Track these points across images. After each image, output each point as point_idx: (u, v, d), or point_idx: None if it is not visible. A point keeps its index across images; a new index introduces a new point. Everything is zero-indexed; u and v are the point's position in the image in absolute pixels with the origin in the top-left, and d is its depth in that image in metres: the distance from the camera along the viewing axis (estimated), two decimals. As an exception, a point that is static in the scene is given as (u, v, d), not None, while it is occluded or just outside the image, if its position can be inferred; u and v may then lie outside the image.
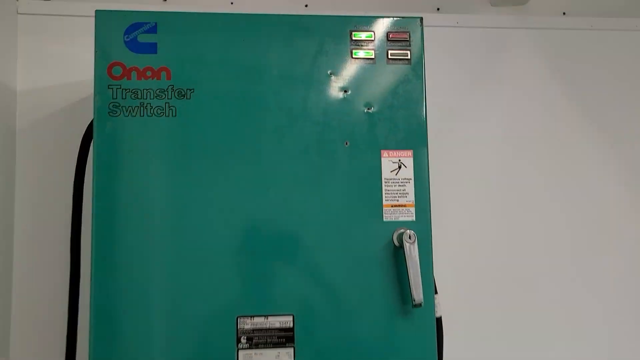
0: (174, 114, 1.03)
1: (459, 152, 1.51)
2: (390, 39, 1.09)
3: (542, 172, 1.55)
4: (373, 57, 1.08)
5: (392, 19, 1.09)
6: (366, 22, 1.09)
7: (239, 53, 1.05)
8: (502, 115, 1.57)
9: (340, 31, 1.08)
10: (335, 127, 1.06)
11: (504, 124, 1.57)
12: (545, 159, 1.56)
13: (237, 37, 1.05)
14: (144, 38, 1.04)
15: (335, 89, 1.07)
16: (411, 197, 1.06)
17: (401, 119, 1.07)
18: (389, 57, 1.08)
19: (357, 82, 1.07)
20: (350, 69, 1.07)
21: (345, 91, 1.07)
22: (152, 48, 1.04)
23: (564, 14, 1.69)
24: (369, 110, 1.07)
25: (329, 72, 1.07)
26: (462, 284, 1.45)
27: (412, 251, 1.00)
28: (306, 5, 1.53)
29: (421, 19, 1.10)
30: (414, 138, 1.07)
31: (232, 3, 1.49)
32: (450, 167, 1.48)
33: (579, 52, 1.65)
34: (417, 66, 1.09)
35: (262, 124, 1.04)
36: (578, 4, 1.70)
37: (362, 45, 1.08)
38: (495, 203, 1.52)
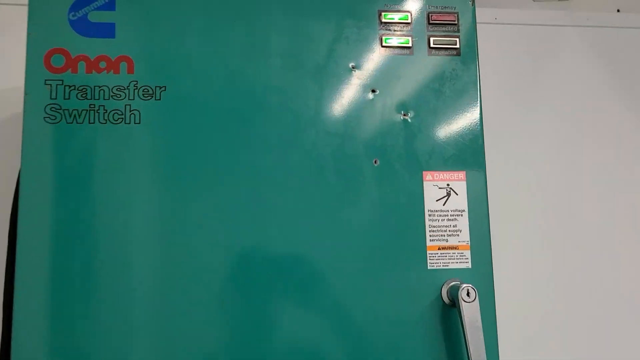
0: (137, 121, 0.74)
1: (504, 173, 1.22)
2: (433, 21, 0.81)
3: (603, 187, 1.27)
4: (410, 45, 0.80)
5: (434, -5, 0.81)
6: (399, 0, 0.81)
7: (230, 38, 0.77)
8: (552, 128, 1.29)
9: (365, 11, 0.80)
10: (359, 139, 0.77)
11: (555, 138, 1.29)
12: (607, 174, 1.28)
13: (228, 17, 0.77)
14: (97, 17, 0.75)
15: (359, 87, 0.78)
16: (465, 236, 0.76)
17: (449, 129, 0.79)
18: (431, 45, 0.80)
19: (389, 79, 0.79)
20: (379, 61, 0.79)
21: (373, 91, 0.78)
22: (108, 30, 0.75)
23: (618, 10, 1.43)
24: (406, 117, 0.78)
25: (350, 65, 0.79)
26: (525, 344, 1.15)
27: (471, 313, 0.71)
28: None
29: (473, -5, 0.82)
30: (467, 155, 0.79)
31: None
32: (494, 192, 1.19)
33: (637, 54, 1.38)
34: (468, 57, 0.81)
35: (261, 134, 0.75)
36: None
37: (395, 30, 0.80)
38: (556, 232, 1.23)
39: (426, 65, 0.80)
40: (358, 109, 0.78)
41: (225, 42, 0.76)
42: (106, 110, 0.73)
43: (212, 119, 0.74)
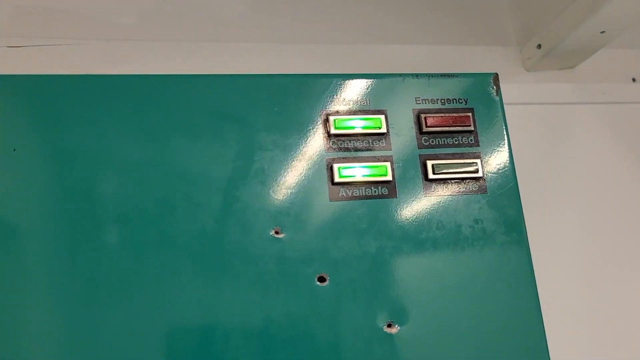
0: None
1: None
2: (429, 127, 0.41)
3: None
4: (389, 177, 0.39)
5: (427, 79, 0.42)
6: (363, 88, 0.41)
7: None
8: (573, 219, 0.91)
9: (298, 115, 0.40)
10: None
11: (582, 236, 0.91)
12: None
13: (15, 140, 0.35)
14: None
15: (291, 273, 0.36)
16: None
17: (482, 350, 0.37)
18: (430, 176, 0.40)
19: (349, 251, 0.38)
20: (330, 214, 0.38)
21: (321, 280, 0.37)
22: None
23: (633, 80, 1.10)
24: (392, 330, 0.37)
25: (273, 228, 0.37)
26: None
27: None
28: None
29: (496, 75, 0.44)
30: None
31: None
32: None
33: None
34: (503, 194, 0.41)
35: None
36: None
37: (357, 149, 0.40)
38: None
39: (424, 218, 0.39)
40: (296, 320, 0.36)
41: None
42: None
43: None
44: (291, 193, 0.38)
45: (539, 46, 0.93)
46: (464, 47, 0.97)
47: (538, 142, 0.97)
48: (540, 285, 0.40)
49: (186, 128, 0.37)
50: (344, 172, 0.39)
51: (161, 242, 0.36)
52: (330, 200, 0.38)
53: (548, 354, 0.37)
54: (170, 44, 0.86)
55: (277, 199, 0.38)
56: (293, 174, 0.38)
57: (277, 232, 0.37)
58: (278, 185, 0.38)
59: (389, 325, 0.37)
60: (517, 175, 0.42)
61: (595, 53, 0.96)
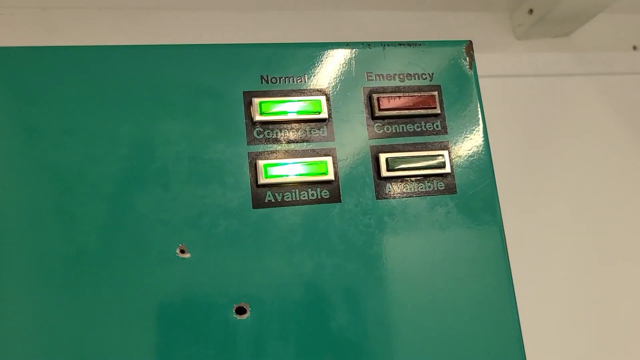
0: None
1: (526, 253, 0.76)
2: (382, 112, 0.32)
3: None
4: (331, 177, 0.30)
5: (381, 48, 0.33)
6: (298, 62, 0.32)
7: None
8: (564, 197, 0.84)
9: (213, 95, 0.30)
10: None
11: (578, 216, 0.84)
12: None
13: None
14: None
15: (200, 303, 0.28)
16: None
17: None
18: (383, 174, 0.31)
19: (277, 273, 0.29)
20: (247, 225, 0.29)
21: (240, 312, 0.28)
22: None
23: (634, 48, 1.03)
24: None
25: (176, 247, 0.28)
26: None
27: None
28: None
29: (469, 43, 0.34)
30: None
31: None
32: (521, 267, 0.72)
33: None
34: (476, 195, 0.32)
35: None
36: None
37: (287, 139, 0.31)
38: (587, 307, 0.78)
39: (375, 227, 0.31)
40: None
41: None
42: None
43: None
44: (202, 200, 0.29)
45: (531, 11, 0.86)
46: (447, 13, 0.88)
47: (530, 119, 0.89)
48: (523, 308, 0.32)
49: (60, 113, 0.28)
50: (273, 171, 0.30)
51: (22, 267, 0.27)
52: (254, 207, 0.30)
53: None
54: (112, 12, 0.77)
55: (183, 208, 0.29)
56: (205, 175, 0.29)
57: (182, 251, 0.29)
58: (185, 190, 0.29)
59: (328, 369, 0.29)
60: (498, 169, 0.34)
61: (593, 19, 0.89)
